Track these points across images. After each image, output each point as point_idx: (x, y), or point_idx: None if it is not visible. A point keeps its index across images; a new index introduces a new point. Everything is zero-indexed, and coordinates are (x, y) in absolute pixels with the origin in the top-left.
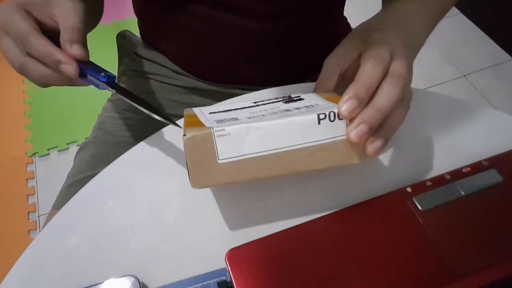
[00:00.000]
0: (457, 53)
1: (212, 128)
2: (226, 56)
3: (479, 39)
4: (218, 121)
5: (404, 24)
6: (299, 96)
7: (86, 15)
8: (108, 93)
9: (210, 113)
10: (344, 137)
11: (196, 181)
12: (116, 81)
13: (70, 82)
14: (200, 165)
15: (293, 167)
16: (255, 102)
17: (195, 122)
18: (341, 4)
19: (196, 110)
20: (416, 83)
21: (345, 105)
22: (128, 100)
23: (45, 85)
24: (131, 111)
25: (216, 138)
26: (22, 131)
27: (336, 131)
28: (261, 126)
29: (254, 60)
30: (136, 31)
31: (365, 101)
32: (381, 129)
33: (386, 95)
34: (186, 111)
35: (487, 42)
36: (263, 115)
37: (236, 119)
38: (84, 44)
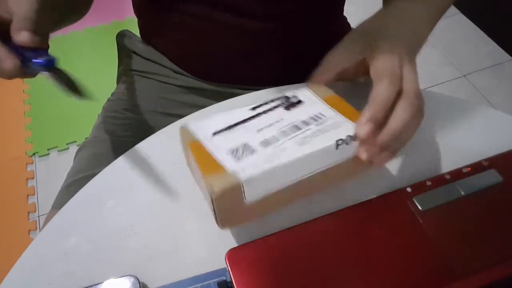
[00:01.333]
0: (457, 53)
1: (240, 177)
2: (226, 56)
3: (479, 39)
4: (234, 153)
5: (405, 22)
6: (296, 97)
7: (47, 4)
8: (108, 92)
9: (214, 134)
10: (353, 154)
11: (225, 224)
12: (55, 64)
13: (17, 75)
14: (228, 210)
15: (311, 190)
16: (253, 109)
17: (209, 162)
18: (341, 3)
19: (195, 129)
20: None
21: (363, 129)
22: (59, 84)
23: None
24: (131, 111)
25: (244, 186)
26: (22, 131)
27: (349, 151)
28: (285, 163)
29: (254, 60)
30: (136, 31)
31: (382, 123)
32: (392, 143)
33: (400, 118)
34: (183, 130)
35: (487, 42)
36: (275, 137)
37: (249, 146)
38: (35, 32)
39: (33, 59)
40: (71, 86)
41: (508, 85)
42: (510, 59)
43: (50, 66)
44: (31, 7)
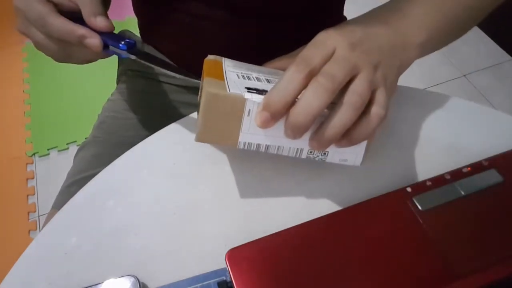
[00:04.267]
0: (457, 53)
1: None
2: (226, 55)
3: (479, 39)
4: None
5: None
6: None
7: None
8: (108, 92)
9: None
10: None
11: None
12: (137, 45)
13: (95, 56)
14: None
15: None
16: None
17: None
18: (341, 3)
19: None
20: (416, 83)
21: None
22: (150, 64)
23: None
24: (131, 111)
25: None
26: (22, 131)
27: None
28: None
29: (254, 60)
30: (136, 31)
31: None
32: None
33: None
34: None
35: (487, 42)
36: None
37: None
38: (106, 15)
39: (111, 44)
40: (160, 63)
41: (508, 85)
42: (510, 59)
43: (132, 49)
44: None
